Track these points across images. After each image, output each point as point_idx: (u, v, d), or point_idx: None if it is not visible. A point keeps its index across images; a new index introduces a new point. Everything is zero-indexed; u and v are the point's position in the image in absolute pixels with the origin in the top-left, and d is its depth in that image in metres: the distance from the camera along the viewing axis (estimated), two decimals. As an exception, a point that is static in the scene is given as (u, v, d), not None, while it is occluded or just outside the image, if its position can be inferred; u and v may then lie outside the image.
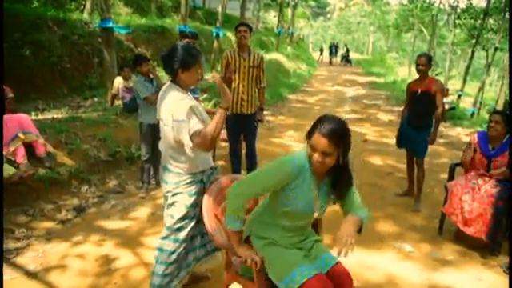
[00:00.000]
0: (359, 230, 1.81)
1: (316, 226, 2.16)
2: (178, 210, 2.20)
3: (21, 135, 3.69)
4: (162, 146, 2.26)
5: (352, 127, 1.84)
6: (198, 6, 16.44)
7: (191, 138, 2.00)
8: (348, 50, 27.57)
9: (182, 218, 2.21)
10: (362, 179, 4.93)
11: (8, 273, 2.71)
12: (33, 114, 5.47)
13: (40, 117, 5.34)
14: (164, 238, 2.25)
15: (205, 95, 8.02)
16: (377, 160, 5.83)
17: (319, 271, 1.81)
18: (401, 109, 5.01)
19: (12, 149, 3.65)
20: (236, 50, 4.05)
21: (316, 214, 1.88)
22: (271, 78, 12.19)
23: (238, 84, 4.05)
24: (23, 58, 6.50)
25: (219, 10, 10.03)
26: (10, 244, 3.05)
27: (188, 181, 2.18)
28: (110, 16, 5.90)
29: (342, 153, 1.75)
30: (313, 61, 24.97)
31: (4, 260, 2.84)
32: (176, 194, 2.20)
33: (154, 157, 4.15)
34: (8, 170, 3.53)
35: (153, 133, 4.12)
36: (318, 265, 1.87)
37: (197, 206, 2.21)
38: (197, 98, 4.94)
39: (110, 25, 5.88)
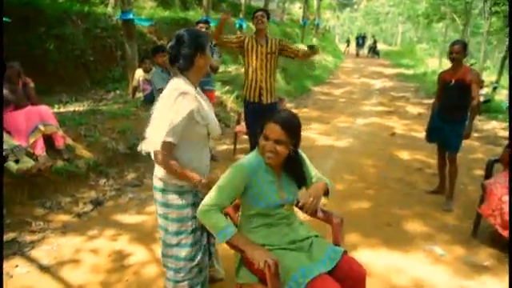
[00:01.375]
0: (326, 194, 1.94)
1: (336, 235, 1.98)
2: (172, 224, 1.96)
3: (41, 127, 3.68)
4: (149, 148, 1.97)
5: (379, 120, 1.66)
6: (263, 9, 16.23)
7: (161, 146, 1.81)
8: (375, 42, 26.78)
9: (178, 233, 1.97)
10: (389, 175, 4.67)
11: (22, 266, 2.69)
12: (56, 106, 5.50)
13: (62, 109, 5.36)
14: (165, 256, 2.05)
15: (227, 87, 7.91)
16: (405, 155, 5.54)
17: (323, 270, 1.67)
18: (431, 101, 4.70)
19: (32, 140, 3.65)
20: (253, 36, 3.90)
21: (286, 205, 1.86)
22: (296, 70, 11.95)
23: (256, 71, 3.89)
24: (48, 52, 6.56)
25: (242, 1, 9.82)
26: (26, 237, 3.03)
27: (179, 190, 1.93)
28: (130, 8, 5.85)
29: (293, 143, 1.79)
30: (339, 52, 24.41)
31: (19, 253, 2.83)
32: (166, 204, 1.95)
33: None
34: (27, 163, 3.52)
35: None
36: (323, 262, 1.73)
37: (194, 217, 1.94)
38: (211, 91, 4.82)
39: (131, 17, 5.83)
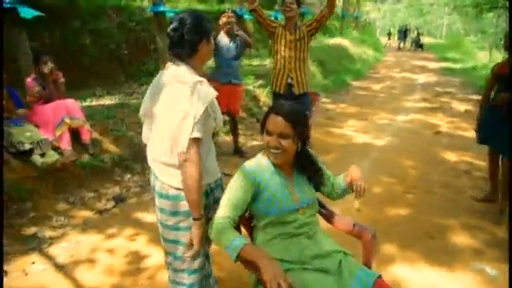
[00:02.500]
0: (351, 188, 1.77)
1: (368, 254, 1.71)
2: (185, 234, 1.70)
3: (67, 120, 3.64)
4: (154, 148, 1.72)
5: (422, 117, 1.37)
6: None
7: (189, 144, 1.55)
8: (419, 34, 25.46)
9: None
10: (432, 178, 4.26)
11: (39, 263, 2.63)
12: (88, 100, 5.53)
13: (94, 103, 5.38)
14: (175, 270, 1.79)
15: (260, 81, 7.69)
16: (450, 155, 5.07)
17: None
18: (479, 97, 4.21)
19: (58, 134, 3.62)
20: (283, 24, 3.70)
21: (301, 209, 1.64)
22: (334, 64, 11.50)
23: (285, 59, 3.67)
24: (83, 46, 6.64)
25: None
26: (46, 232, 2.98)
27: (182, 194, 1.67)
28: (162, 0, 5.74)
29: (300, 136, 1.61)
30: (380, 46, 23.42)
31: (37, 249, 2.78)
32: (177, 213, 1.69)
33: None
34: (52, 156, 3.50)
35: None
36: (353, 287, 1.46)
37: (205, 224, 1.70)
38: (239, 85, 4.60)
39: (162, 9, 5.72)
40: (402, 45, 25.22)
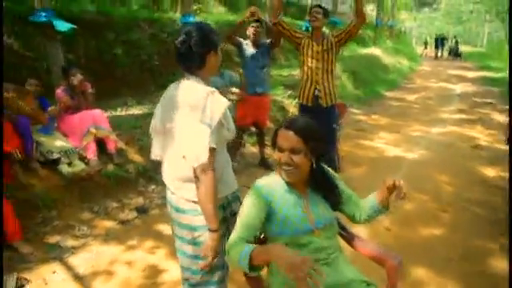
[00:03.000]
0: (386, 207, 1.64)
1: (393, 278, 1.56)
2: (203, 249, 1.67)
3: (93, 130, 3.70)
4: (169, 163, 1.71)
5: (459, 129, 1.23)
6: (291, 2, 16.00)
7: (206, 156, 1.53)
8: (457, 43, 24.54)
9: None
10: (470, 195, 3.99)
11: (59, 272, 2.64)
12: (118, 109, 5.64)
13: (123, 112, 5.48)
14: (193, 285, 1.76)
15: (289, 92, 7.60)
16: (490, 171, 4.74)
17: None
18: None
19: (84, 143, 3.69)
20: (309, 35, 3.59)
21: (316, 231, 1.52)
22: (366, 74, 11.24)
23: (312, 71, 3.56)
24: (116, 57, 6.82)
25: (309, 1, 9.43)
26: (68, 242, 3.00)
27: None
28: (190, 11, 5.82)
29: (312, 151, 1.50)
30: (415, 55, 22.77)
31: (59, 258, 2.80)
32: (194, 227, 1.67)
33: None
34: (78, 166, 3.56)
35: None
36: None
37: (223, 236, 1.69)
38: (265, 95, 4.51)
39: (191, 19, 5.80)
40: (438, 54, 24.37)
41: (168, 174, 1.72)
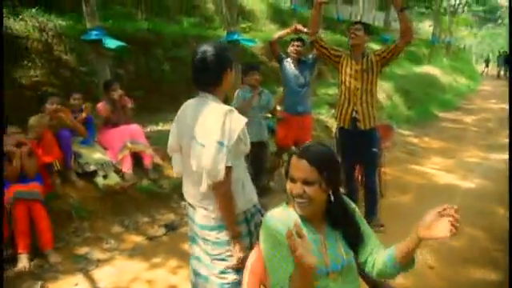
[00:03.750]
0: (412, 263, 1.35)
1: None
2: (229, 264, 1.70)
3: (129, 144, 3.77)
4: (190, 181, 1.75)
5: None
6: (343, 19, 15.81)
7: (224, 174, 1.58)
8: (524, 61, 22.69)
9: (237, 271, 1.70)
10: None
11: (82, 285, 2.66)
12: (160, 124, 5.77)
13: (165, 127, 5.57)
14: None
15: (333, 111, 7.36)
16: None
17: None
18: None
19: (120, 157, 3.75)
20: (349, 53, 3.37)
21: (332, 274, 1.35)
22: (420, 94, 10.68)
23: (350, 92, 3.34)
24: (164, 73, 7.05)
25: (352, 18, 9.18)
26: (95, 254, 3.02)
27: (236, 220, 1.71)
28: (235, 29, 5.88)
29: (328, 182, 1.34)
30: (475, 74, 21.39)
31: (83, 271, 2.81)
32: (220, 243, 1.69)
33: (257, 177, 3.75)
34: (113, 179, 3.61)
35: (255, 151, 3.79)
36: None
37: (246, 249, 1.69)
38: (307, 115, 4.32)
39: (235, 37, 5.84)
40: (501, 72, 22.64)
41: (189, 192, 1.77)
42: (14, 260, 2.78)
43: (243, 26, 11.14)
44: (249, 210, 1.75)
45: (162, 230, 3.43)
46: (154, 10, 9.29)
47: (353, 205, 1.51)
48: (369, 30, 3.36)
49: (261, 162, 4.02)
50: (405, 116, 8.77)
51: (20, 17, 5.41)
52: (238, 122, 1.61)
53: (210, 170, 1.55)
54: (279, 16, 12.27)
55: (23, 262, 2.75)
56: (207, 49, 1.64)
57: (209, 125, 1.59)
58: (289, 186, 1.38)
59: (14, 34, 5.19)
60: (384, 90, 9.09)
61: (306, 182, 1.33)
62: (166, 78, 7.03)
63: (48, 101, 3.35)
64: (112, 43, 4.65)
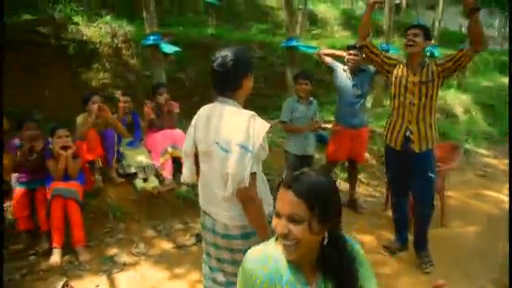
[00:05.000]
0: None
1: None
2: None
3: (169, 149, 3.77)
4: (210, 188, 1.70)
5: None
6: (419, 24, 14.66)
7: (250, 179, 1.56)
8: None
9: None
10: None
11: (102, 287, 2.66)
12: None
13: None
14: None
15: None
16: None
17: None
18: None
19: (162, 161, 3.78)
20: (405, 62, 2.94)
21: None
22: (504, 109, 9.42)
23: (404, 108, 2.90)
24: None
25: (436, 25, 8.37)
26: (123, 257, 3.05)
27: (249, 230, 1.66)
28: (294, 35, 5.70)
29: (321, 220, 1.09)
30: None
31: (108, 273, 2.84)
32: (237, 250, 1.68)
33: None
34: (151, 183, 3.65)
35: (301, 164, 3.56)
36: None
37: None
38: (362, 128, 3.94)
39: (294, 43, 5.67)
40: None
41: (207, 200, 1.73)
42: (49, 253, 2.91)
43: (313, 32, 10.91)
44: (269, 214, 1.67)
45: (193, 240, 3.36)
46: (225, 16, 9.50)
47: (356, 246, 1.24)
48: (429, 34, 2.89)
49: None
50: (484, 133, 7.78)
51: (94, 24, 5.84)
52: (262, 126, 1.60)
53: (236, 176, 1.54)
54: (352, 23, 11.78)
55: (55, 257, 2.86)
56: (227, 53, 1.63)
57: (233, 130, 1.58)
58: (274, 221, 1.16)
59: (87, 39, 5.61)
60: (461, 103, 8.18)
61: (291, 219, 1.10)
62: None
63: (90, 100, 3.48)
64: (168, 48, 4.76)
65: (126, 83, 5.82)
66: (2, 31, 2.73)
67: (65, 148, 3.08)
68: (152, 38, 4.59)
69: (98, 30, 5.82)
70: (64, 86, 5.27)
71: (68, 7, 5.86)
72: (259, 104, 7.46)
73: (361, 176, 5.17)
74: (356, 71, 3.81)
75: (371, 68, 3.76)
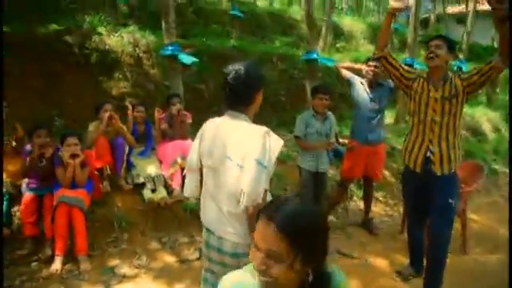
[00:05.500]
0: None
1: None
2: None
3: (179, 160, 3.73)
4: (216, 201, 1.65)
5: None
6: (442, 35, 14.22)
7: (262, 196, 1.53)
8: None
9: None
10: None
11: (100, 301, 2.62)
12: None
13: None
14: None
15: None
16: None
17: None
18: None
19: (171, 172, 3.74)
20: (425, 76, 2.71)
21: None
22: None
23: (425, 126, 2.68)
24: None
25: (464, 38, 8.05)
26: (123, 269, 3.00)
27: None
28: (315, 48, 5.62)
29: (304, 258, 0.96)
30: None
31: (106, 285, 2.79)
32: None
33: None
34: (160, 193, 3.61)
35: (314, 181, 3.52)
36: None
37: None
38: (379, 145, 3.75)
39: (314, 56, 5.59)
40: None
41: (211, 217, 1.67)
42: (51, 261, 2.90)
43: (338, 45, 10.79)
44: None
45: (196, 254, 3.27)
46: (250, 29, 9.55)
47: (342, 282, 1.11)
48: (453, 46, 2.66)
49: (315, 196, 3.59)
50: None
51: (117, 34, 5.96)
52: (277, 142, 1.59)
53: (251, 192, 1.50)
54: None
55: (57, 265, 2.85)
56: (240, 68, 1.62)
57: (248, 145, 1.54)
58: (251, 252, 1.04)
59: (109, 48, 5.72)
60: (490, 120, 7.80)
61: (270, 255, 0.98)
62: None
63: (102, 108, 3.49)
64: (186, 59, 4.77)
65: (145, 92, 5.87)
66: (1, 31, 2.78)
67: (73, 156, 3.09)
68: (170, 48, 4.62)
69: (120, 40, 5.93)
70: (86, 94, 5.36)
71: (96, 17, 6.02)
72: (280, 118, 7.40)
73: (378, 194, 4.98)
74: (374, 85, 3.68)
75: (390, 83, 3.60)
